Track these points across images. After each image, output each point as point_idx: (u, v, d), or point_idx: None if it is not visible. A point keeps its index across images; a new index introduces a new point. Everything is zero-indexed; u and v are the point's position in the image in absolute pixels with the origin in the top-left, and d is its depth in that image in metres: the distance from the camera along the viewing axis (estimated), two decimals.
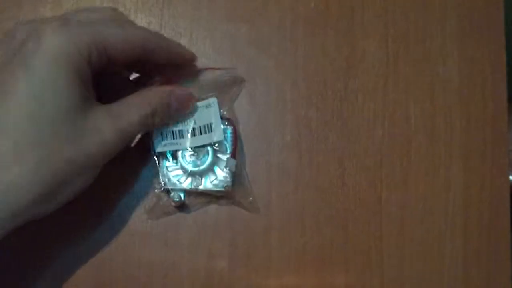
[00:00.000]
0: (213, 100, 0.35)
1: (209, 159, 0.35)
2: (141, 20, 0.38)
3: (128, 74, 0.35)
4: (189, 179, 0.35)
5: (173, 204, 0.35)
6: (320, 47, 0.38)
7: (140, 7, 0.38)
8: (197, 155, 0.35)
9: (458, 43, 0.38)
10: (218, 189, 0.35)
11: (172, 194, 0.35)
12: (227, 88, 0.37)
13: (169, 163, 0.35)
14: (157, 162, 0.36)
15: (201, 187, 0.35)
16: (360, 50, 0.38)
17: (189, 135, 0.35)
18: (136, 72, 0.35)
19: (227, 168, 0.35)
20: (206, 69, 0.37)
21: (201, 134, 0.35)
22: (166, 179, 0.35)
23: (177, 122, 0.35)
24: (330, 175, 0.37)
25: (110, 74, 0.33)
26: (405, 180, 0.37)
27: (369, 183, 0.37)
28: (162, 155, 0.35)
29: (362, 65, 0.38)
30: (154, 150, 0.35)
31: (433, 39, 0.38)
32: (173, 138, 0.35)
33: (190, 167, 0.35)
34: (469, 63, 0.38)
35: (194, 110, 0.35)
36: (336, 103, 0.37)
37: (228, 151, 0.35)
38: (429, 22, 0.38)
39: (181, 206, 0.36)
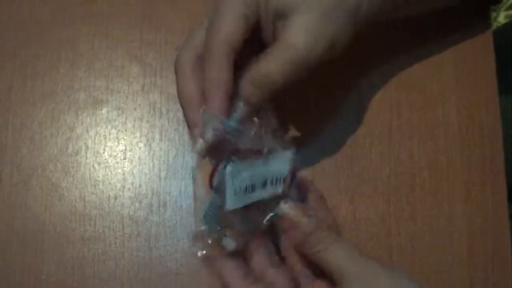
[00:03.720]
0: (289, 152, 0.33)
1: None
2: (167, 78, 0.42)
3: None
4: None
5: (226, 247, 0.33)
6: (331, 99, 0.42)
7: (166, 67, 0.42)
8: None
9: (456, 89, 0.42)
10: None
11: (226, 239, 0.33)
12: None
13: None
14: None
15: None
16: (366, 99, 0.42)
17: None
18: None
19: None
20: None
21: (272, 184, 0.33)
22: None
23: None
24: (342, 212, 0.40)
25: None
26: (412, 214, 0.40)
27: (379, 218, 0.40)
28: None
29: (368, 112, 0.42)
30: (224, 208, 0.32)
31: (432, 86, 0.42)
32: (246, 192, 0.32)
33: None
34: (466, 106, 0.42)
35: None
36: (346, 147, 0.41)
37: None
38: (428, 71, 0.42)
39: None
